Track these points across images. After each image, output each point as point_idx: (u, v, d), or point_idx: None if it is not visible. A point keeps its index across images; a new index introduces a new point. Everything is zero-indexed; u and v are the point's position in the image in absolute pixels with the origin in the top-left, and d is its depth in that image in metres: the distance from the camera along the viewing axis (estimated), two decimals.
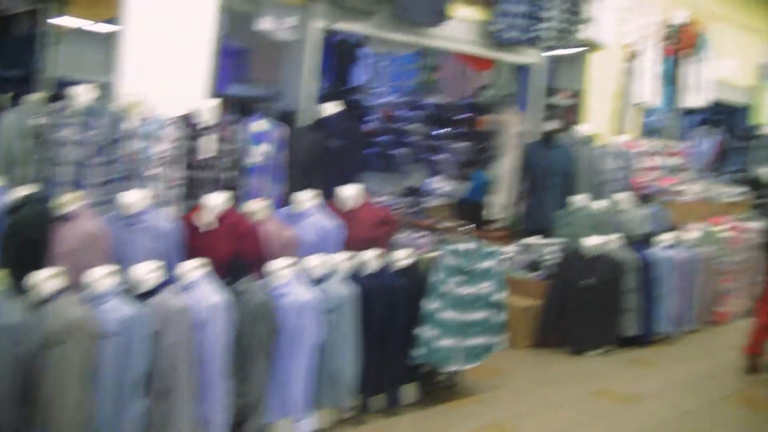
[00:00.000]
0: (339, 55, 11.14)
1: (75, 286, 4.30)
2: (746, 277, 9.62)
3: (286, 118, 6.94)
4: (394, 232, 6.61)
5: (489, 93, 10.76)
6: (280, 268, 4.98)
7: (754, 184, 11.91)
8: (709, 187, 10.76)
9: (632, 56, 10.27)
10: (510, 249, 8.30)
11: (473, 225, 8.98)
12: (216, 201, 5.38)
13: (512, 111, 9.71)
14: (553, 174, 8.83)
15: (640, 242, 8.23)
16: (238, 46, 9.70)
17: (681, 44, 10.71)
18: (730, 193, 11.01)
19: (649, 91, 10.40)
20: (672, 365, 7.70)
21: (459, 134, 11.12)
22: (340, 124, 7.15)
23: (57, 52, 8.64)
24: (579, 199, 8.52)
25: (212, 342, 4.52)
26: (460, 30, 8.48)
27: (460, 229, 8.83)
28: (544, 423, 5.93)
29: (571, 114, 9.86)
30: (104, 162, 5.61)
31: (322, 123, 7.09)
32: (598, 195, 8.83)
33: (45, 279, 4.13)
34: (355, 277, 5.40)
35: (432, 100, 11.64)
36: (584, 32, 9.36)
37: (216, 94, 6.52)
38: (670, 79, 10.71)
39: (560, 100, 9.92)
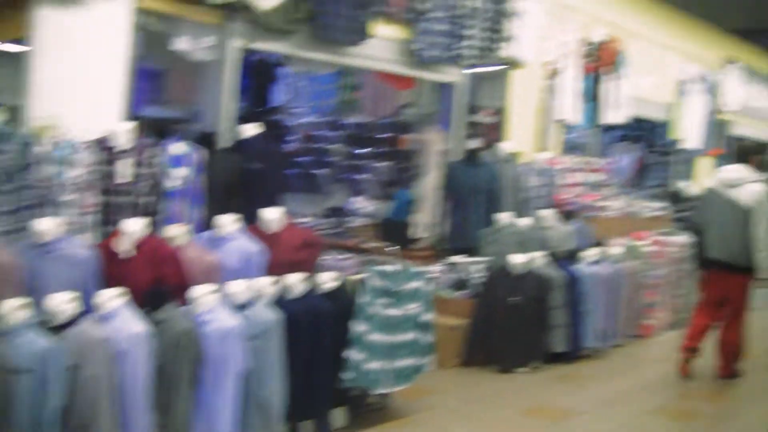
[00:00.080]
0: (258, 75, 11.04)
1: None
2: (669, 290, 9.76)
3: (204, 140, 6.80)
4: (319, 254, 6.53)
5: (411, 111, 10.73)
6: (202, 294, 4.85)
7: (675, 198, 12.09)
8: (631, 202, 10.88)
9: (553, 74, 10.34)
10: (436, 268, 8.25)
11: (398, 245, 8.91)
12: (134, 227, 5.24)
13: (434, 129, 9.69)
14: (477, 192, 8.81)
15: (566, 259, 8.26)
16: (153, 67, 9.54)
17: (601, 62, 10.83)
18: (652, 207, 11.14)
19: (570, 108, 10.48)
20: (601, 380, 7.73)
21: (381, 153, 11.07)
22: (260, 146, 7.05)
23: None
24: (504, 217, 8.51)
25: (133, 373, 4.37)
26: (381, 49, 8.44)
27: (386, 249, 8.76)
28: None
29: (493, 132, 9.87)
30: (15, 188, 5.43)
31: (242, 144, 6.98)
32: (522, 212, 8.84)
33: None
34: (280, 301, 5.29)
35: (353, 119, 11.58)
36: (505, 50, 9.40)
37: (132, 117, 6.37)
38: (591, 96, 10.81)
39: (483, 117, 9.94)
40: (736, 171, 7.63)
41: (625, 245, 9.25)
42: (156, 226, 5.72)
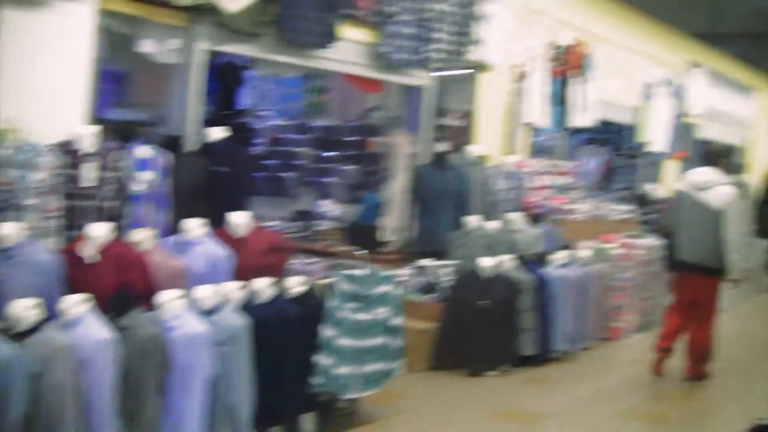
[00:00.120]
0: (224, 78, 10.95)
1: None
2: (637, 293, 9.79)
3: (170, 143, 6.73)
4: (287, 258, 6.48)
5: (378, 115, 10.69)
6: (168, 299, 4.79)
7: (642, 201, 12.18)
8: (598, 205, 10.91)
9: (521, 77, 10.35)
10: (404, 272, 8.22)
11: (366, 248, 8.87)
12: (99, 231, 5.16)
13: (402, 132, 9.67)
14: (446, 195, 8.78)
15: (534, 262, 8.26)
16: (118, 70, 9.43)
17: (568, 65, 10.88)
18: (619, 210, 11.18)
19: (537, 111, 10.49)
20: (570, 383, 7.75)
21: (349, 156, 11.01)
22: (227, 149, 6.98)
23: None
24: (472, 220, 8.50)
25: (99, 381, 4.30)
26: (348, 52, 8.39)
27: (354, 253, 8.71)
28: None
29: (461, 135, 9.86)
30: None
31: (208, 148, 6.90)
32: (490, 215, 8.83)
33: None
34: (248, 306, 5.24)
35: (321, 122, 11.51)
36: (473, 53, 9.41)
37: (96, 120, 6.29)
38: (558, 100, 10.84)
39: (450, 121, 9.92)
40: (706, 174, 7.66)
41: (593, 248, 9.28)
42: (121, 230, 5.63)
